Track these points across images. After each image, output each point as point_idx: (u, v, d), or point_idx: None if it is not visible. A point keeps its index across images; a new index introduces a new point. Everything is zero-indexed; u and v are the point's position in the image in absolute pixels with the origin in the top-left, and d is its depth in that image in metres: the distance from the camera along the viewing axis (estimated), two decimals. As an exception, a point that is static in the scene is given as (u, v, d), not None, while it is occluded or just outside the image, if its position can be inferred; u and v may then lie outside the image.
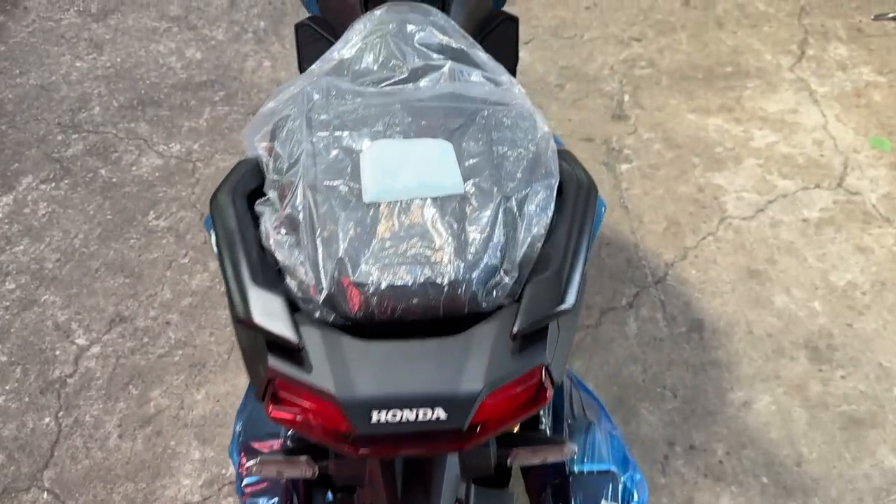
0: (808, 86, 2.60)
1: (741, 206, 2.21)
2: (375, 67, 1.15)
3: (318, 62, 1.22)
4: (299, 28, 1.80)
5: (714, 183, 2.28)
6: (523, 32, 2.89)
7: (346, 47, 1.22)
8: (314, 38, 1.81)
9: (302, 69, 2.05)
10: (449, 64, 1.13)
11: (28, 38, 2.92)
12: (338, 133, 0.93)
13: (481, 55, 1.23)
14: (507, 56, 2.01)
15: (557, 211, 0.89)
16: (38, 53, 2.84)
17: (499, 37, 1.99)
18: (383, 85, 1.11)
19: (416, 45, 1.19)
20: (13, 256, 2.15)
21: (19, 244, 2.18)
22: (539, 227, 0.86)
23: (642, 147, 2.41)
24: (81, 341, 1.94)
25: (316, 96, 1.02)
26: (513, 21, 1.99)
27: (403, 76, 1.13)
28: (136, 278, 2.08)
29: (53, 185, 2.35)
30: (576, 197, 0.90)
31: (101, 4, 3.06)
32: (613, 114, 2.53)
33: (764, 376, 1.83)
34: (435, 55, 1.18)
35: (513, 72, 2.02)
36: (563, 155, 1.04)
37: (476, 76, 1.14)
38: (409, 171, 0.87)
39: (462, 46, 1.21)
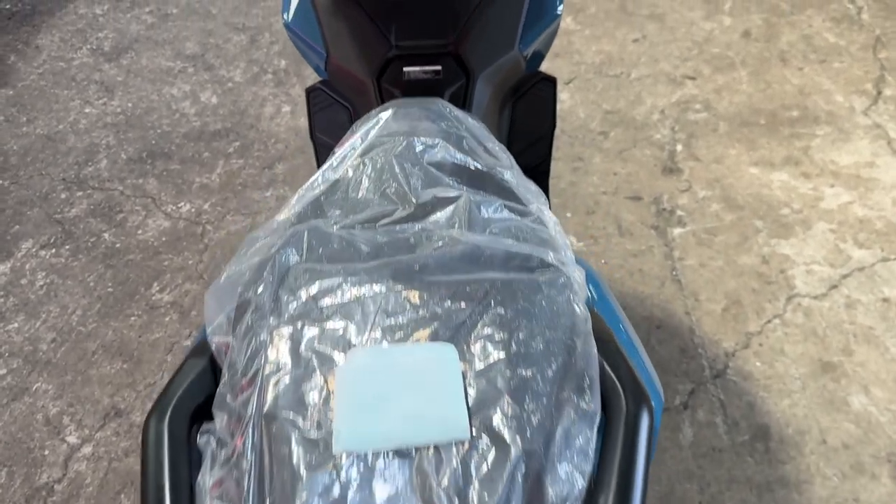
0: (886, 133, 2.32)
1: (811, 281, 1.96)
2: (375, 198, 0.95)
3: (309, 184, 1.02)
4: (311, 93, 1.61)
5: (780, 252, 2.03)
6: (563, 69, 2.67)
7: (344, 164, 1.02)
8: (327, 104, 1.61)
9: (313, 136, 1.86)
10: (464, 196, 0.92)
11: (38, 80, 2.78)
12: (310, 329, 0.73)
13: (504, 173, 1.01)
14: (543, 122, 1.79)
15: (601, 449, 0.67)
16: (46, 98, 2.70)
17: (533, 100, 1.77)
18: (382, 223, 0.91)
19: (426, 167, 0.98)
20: (7, 336, 2.00)
21: (14, 321, 2.03)
22: (575, 488, 0.64)
23: (698, 208, 2.16)
24: (73, 439, 1.78)
25: (293, 258, 0.82)
26: (549, 82, 1.77)
27: (408, 212, 0.92)
28: (135, 364, 1.91)
29: (54, 251, 2.20)
30: (626, 429, 0.68)
31: (115, 42, 2.92)
32: (664, 167, 2.28)
33: (840, 499, 1.58)
34: (448, 179, 0.97)
35: (550, 138, 1.80)
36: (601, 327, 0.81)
37: (497, 209, 0.93)
38: (395, 403, 0.66)
39: (480, 166, 1.00)
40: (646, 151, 2.34)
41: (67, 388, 1.88)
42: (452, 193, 0.93)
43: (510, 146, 1.84)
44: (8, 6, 3.14)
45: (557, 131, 2.45)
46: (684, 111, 2.46)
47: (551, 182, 2.28)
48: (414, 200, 0.93)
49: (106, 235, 2.22)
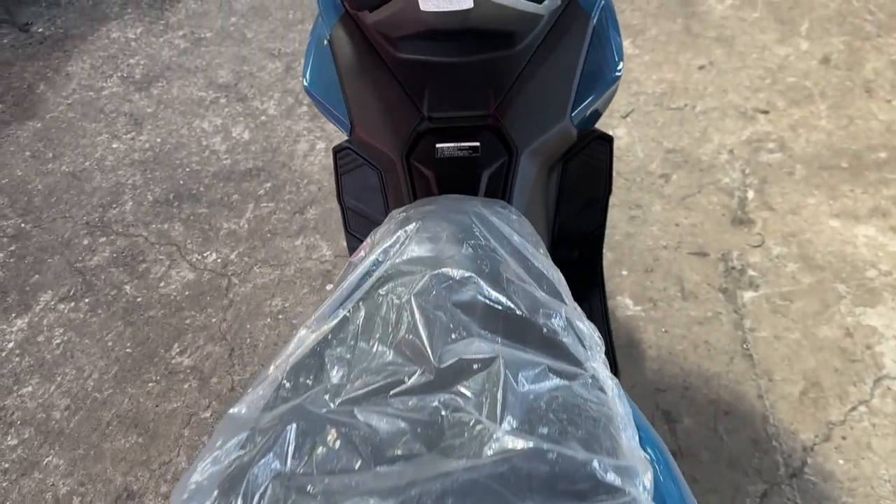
0: None
1: (905, 360, 1.73)
2: (389, 352, 0.78)
3: (312, 320, 0.86)
4: (338, 152, 1.46)
5: (866, 324, 1.80)
6: (620, 100, 2.46)
7: (355, 296, 0.85)
8: (356, 165, 1.45)
9: (340, 198, 1.70)
10: (497, 360, 0.75)
11: (66, 112, 2.69)
12: None
13: (551, 316, 0.83)
14: (596, 186, 1.60)
15: None
16: (74, 132, 2.60)
17: (586, 162, 1.58)
18: (394, 392, 0.74)
19: (453, 310, 0.81)
20: (20, 401, 1.90)
21: (28, 384, 1.93)
22: None
23: (772, 267, 1.94)
24: (82, 524, 1.67)
25: (273, 465, 0.65)
26: (605, 141, 1.58)
27: (427, 378, 0.75)
28: (150, 438, 1.78)
29: (73, 304, 2.09)
30: None
31: (146, 70, 2.80)
32: (734, 217, 2.06)
33: None
34: (479, 327, 0.79)
35: (604, 203, 1.61)
36: None
37: (540, 374, 0.75)
38: None
39: (520, 310, 0.82)
40: (712, 198, 2.12)
41: (79, 464, 1.76)
42: (483, 354, 0.76)
43: (559, 211, 1.65)
44: (41, 29, 3.06)
45: (613, 172, 2.25)
46: (756, 151, 2.23)
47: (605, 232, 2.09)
48: (434, 362, 0.75)
49: (127, 288, 2.11)
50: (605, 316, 1.56)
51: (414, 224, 0.94)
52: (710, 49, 2.59)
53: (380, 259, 0.91)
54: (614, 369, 1.44)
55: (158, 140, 2.53)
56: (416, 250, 0.89)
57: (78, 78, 2.82)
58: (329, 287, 2.02)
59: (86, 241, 2.25)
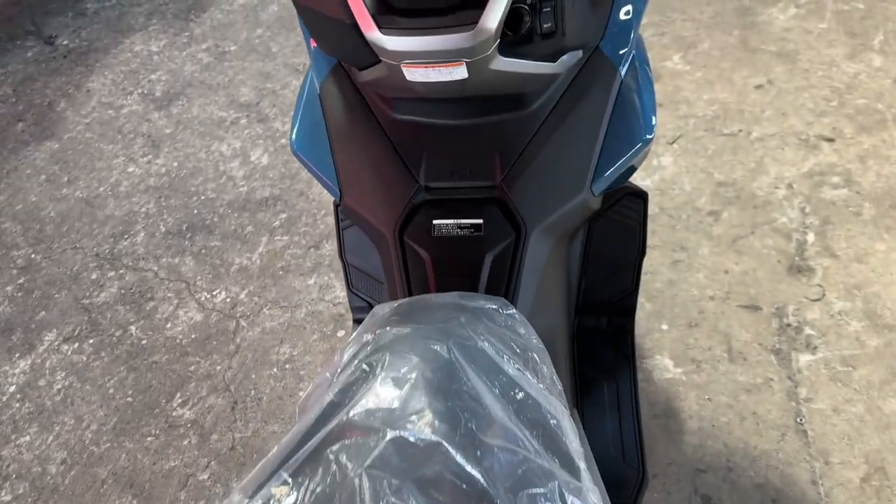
0: None
1: None
2: None
3: (248, 480, 0.72)
4: (339, 206, 1.33)
5: (943, 398, 1.58)
6: (667, 123, 2.26)
7: (297, 458, 0.71)
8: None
9: (342, 255, 1.57)
10: None
11: (84, 132, 2.61)
12: None
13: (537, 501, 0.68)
14: (627, 248, 1.43)
15: None
16: (90, 154, 2.52)
17: (615, 222, 1.41)
18: None
19: (410, 489, 0.66)
20: (17, 451, 1.82)
21: (27, 433, 1.85)
22: None
23: (833, 325, 1.73)
24: None
25: None
26: (638, 199, 1.40)
27: None
28: (146, 500, 1.68)
29: (76, 345, 2.00)
30: None
31: (168, 86, 2.71)
32: (791, 264, 1.86)
33: None
34: None
35: (636, 268, 1.44)
36: None
37: None
38: None
39: (496, 486, 0.67)
40: (767, 241, 1.91)
41: (71, 527, 1.67)
42: None
43: (584, 275, 1.48)
44: (65, 42, 2.99)
45: (655, 208, 2.05)
46: (818, 186, 2.01)
47: (643, 279, 1.91)
48: None
49: (133, 329, 2.01)
50: (635, 397, 1.38)
51: (381, 356, 0.79)
52: (770, 65, 2.36)
53: (335, 401, 0.76)
54: (641, 471, 1.27)
55: (175, 164, 2.43)
56: (379, 397, 0.74)
57: (98, 95, 2.73)
58: (341, 334, 1.89)
59: (94, 276, 2.16)
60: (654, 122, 1.13)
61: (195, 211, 2.28)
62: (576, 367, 1.42)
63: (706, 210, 2.01)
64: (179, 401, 1.84)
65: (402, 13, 0.87)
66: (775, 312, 1.78)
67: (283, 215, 2.21)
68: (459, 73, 0.93)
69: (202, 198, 2.32)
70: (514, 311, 0.94)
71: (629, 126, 1.12)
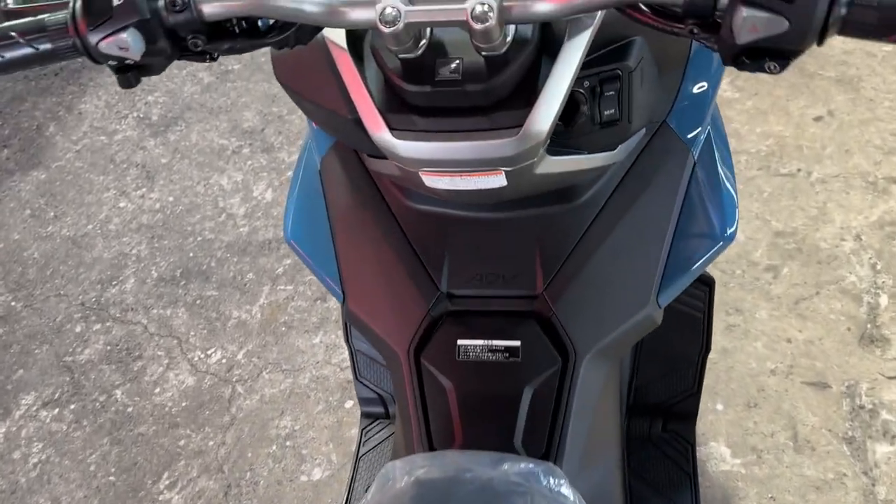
0: None
1: None
2: None
3: None
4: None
5: None
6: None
7: None
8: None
9: (348, 341, 1.38)
10: None
11: (74, 160, 2.41)
12: None
13: None
14: (690, 344, 1.22)
15: None
16: (79, 186, 2.33)
17: (677, 311, 1.21)
18: None
19: None
20: (-16, 538, 1.63)
21: (-4, 516, 1.66)
22: None
23: (915, 410, 1.50)
24: None
25: None
26: (704, 285, 1.19)
27: None
28: None
29: (56, 411, 1.81)
30: None
31: (165, 109, 2.50)
32: (862, 333, 1.63)
33: None
34: None
35: (699, 366, 1.24)
36: None
37: None
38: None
39: None
40: (834, 304, 1.68)
41: None
42: None
43: (635, 373, 1.26)
44: (59, 58, 2.79)
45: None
46: (890, 238, 1.78)
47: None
48: None
49: (118, 393, 1.81)
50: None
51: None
52: (830, 94, 2.12)
53: None
54: None
55: (171, 199, 2.23)
56: None
57: (91, 118, 2.53)
58: (349, 405, 1.68)
59: (79, 328, 1.96)
60: (736, 217, 0.92)
61: (191, 254, 2.08)
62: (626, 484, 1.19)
63: (763, 265, 1.78)
64: (167, 482, 1.64)
65: (420, 112, 0.66)
66: (846, 391, 1.55)
67: (288, 261, 2.00)
68: (496, 181, 0.71)
69: (199, 239, 2.11)
70: (563, 481, 0.72)
71: (705, 222, 0.90)
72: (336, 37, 0.71)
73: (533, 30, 0.64)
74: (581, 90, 0.72)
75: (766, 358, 1.62)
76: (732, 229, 0.90)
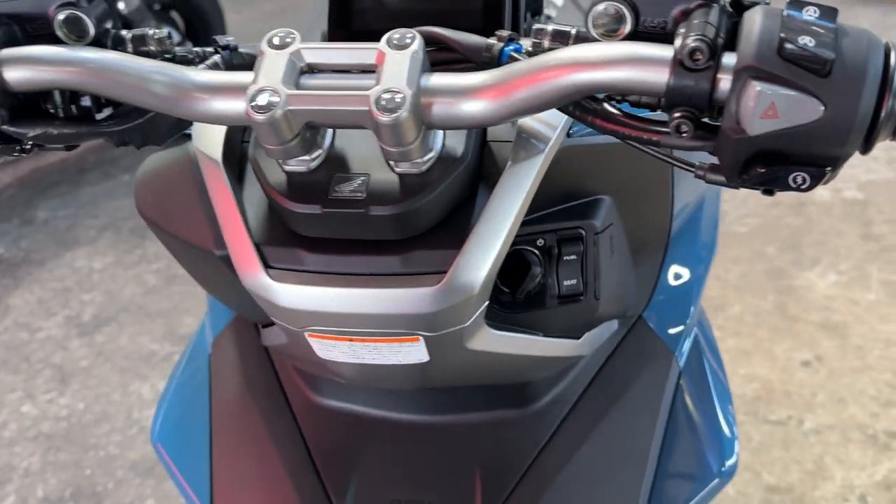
0: None
1: None
2: None
3: None
4: None
5: None
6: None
7: None
8: None
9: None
10: None
11: (-14, 357, 2.18)
12: None
13: None
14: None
15: None
16: (-17, 385, 2.07)
17: None
18: None
19: None
20: None
21: None
22: None
23: None
24: None
25: None
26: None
27: None
28: None
29: None
30: None
31: (99, 310, 2.32)
32: None
33: None
34: None
35: None
36: None
37: None
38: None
39: None
40: (841, 581, 1.41)
41: None
42: None
43: None
44: (1, 251, 2.66)
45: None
46: (899, 503, 1.54)
47: None
48: None
49: None
50: None
51: None
52: (816, 339, 1.98)
53: None
54: None
55: (81, 406, 1.97)
56: None
57: (16, 314, 2.34)
58: None
59: (-71, 555, 1.62)
60: (735, 448, 0.72)
61: (87, 471, 1.78)
62: None
63: (754, 526, 1.52)
64: None
65: (307, 244, 0.48)
66: None
67: None
68: (415, 353, 0.52)
69: (101, 454, 1.83)
70: None
71: (696, 449, 0.70)
72: (208, 146, 0.55)
73: (467, 145, 0.48)
74: (533, 249, 0.55)
75: None
76: (731, 462, 0.70)
